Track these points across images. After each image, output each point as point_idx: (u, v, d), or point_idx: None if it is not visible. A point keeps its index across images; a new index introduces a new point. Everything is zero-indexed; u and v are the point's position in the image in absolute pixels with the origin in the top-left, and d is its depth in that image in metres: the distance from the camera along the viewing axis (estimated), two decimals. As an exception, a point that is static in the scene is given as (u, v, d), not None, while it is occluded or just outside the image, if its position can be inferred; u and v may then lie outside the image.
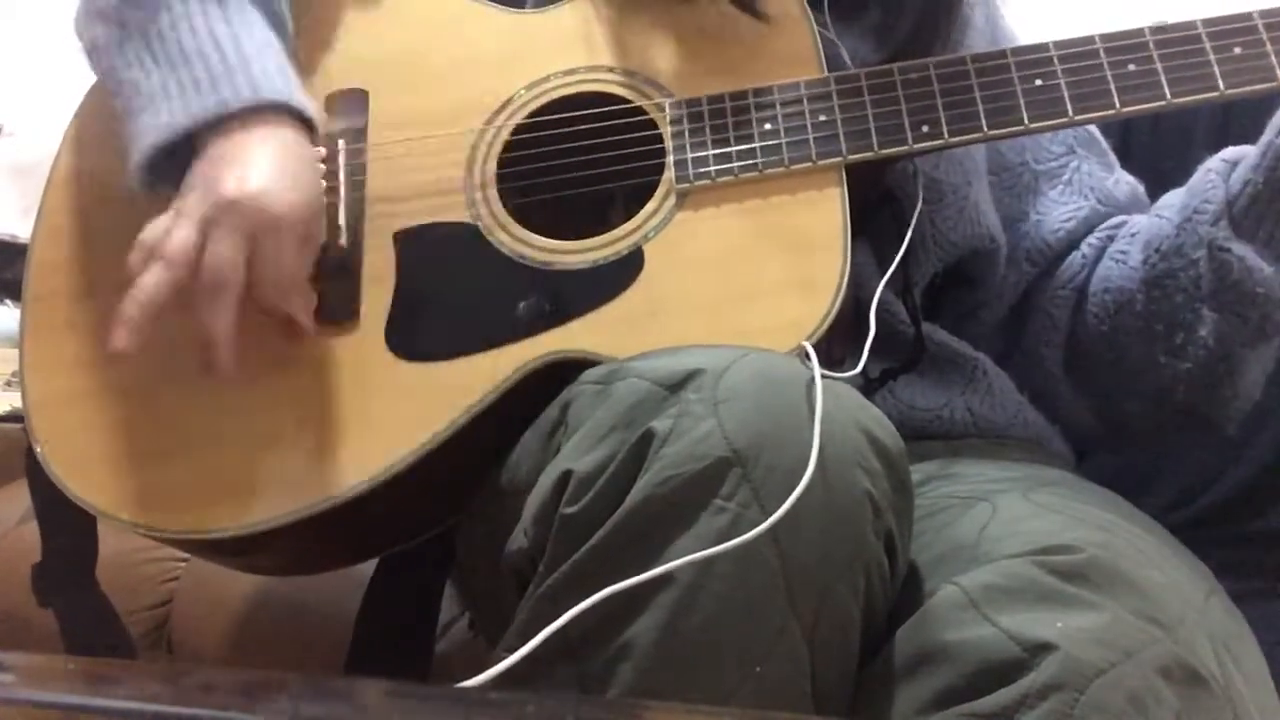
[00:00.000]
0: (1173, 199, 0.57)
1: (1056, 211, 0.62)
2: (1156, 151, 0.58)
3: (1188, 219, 0.54)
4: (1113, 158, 0.66)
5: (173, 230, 0.49)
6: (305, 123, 0.53)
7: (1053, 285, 0.61)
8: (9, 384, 1.00)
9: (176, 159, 0.51)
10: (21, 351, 0.57)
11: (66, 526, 0.60)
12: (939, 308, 0.61)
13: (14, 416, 0.75)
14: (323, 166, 0.53)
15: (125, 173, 0.53)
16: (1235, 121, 0.70)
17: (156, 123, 0.51)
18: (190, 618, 0.82)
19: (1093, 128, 0.65)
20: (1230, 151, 0.55)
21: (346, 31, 0.60)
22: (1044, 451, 0.60)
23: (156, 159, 0.51)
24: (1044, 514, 0.46)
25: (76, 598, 0.63)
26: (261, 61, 0.52)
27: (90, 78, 0.62)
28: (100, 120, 0.60)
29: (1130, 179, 0.64)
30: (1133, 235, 0.59)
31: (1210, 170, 0.55)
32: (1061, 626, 0.39)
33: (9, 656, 0.37)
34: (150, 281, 0.48)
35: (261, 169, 0.49)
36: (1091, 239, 0.61)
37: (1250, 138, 0.53)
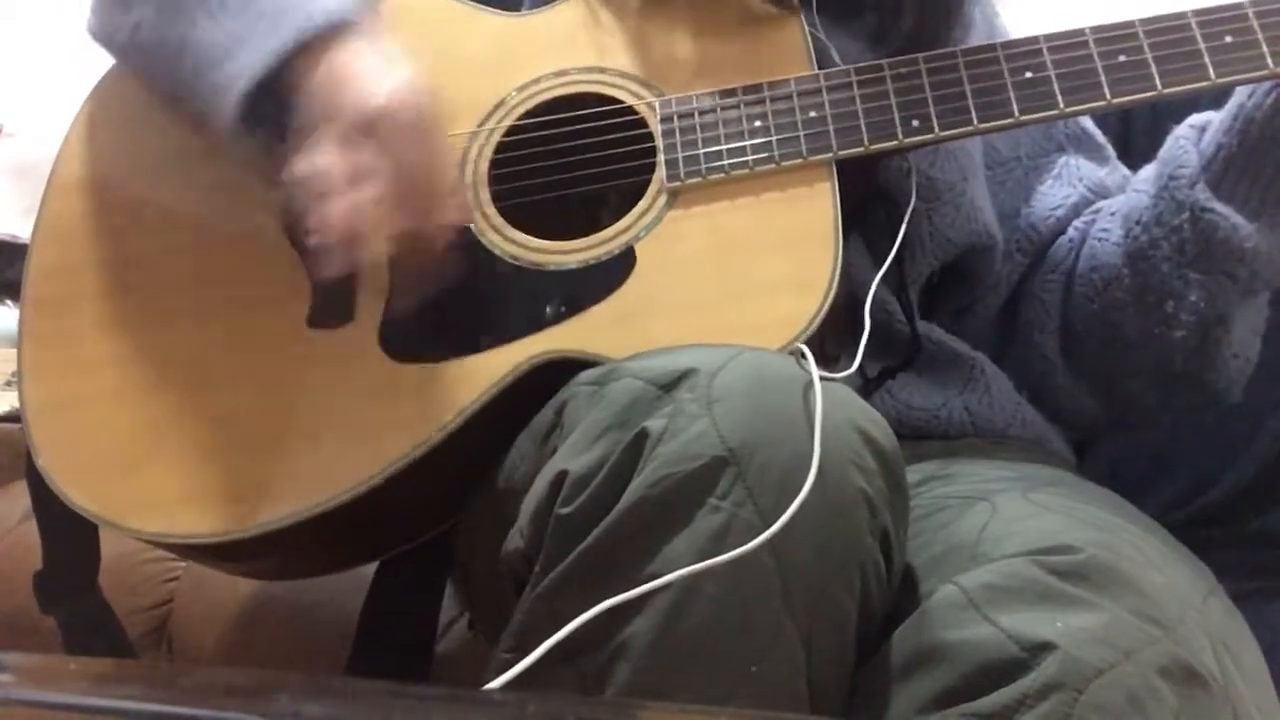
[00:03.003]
0: (1146, 173, 0.57)
1: (1046, 202, 0.62)
2: (1155, 151, 0.57)
3: (1164, 187, 0.55)
4: (1109, 151, 0.65)
5: (332, 161, 0.48)
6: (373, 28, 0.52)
7: (1043, 272, 0.61)
8: (9, 384, 1.00)
9: (262, 104, 0.51)
10: (20, 357, 0.57)
11: (67, 533, 0.60)
12: (935, 305, 0.61)
13: (14, 417, 0.75)
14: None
15: (212, 131, 0.52)
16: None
17: (246, 64, 0.50)
18: (190, 618, 0.83)
19: (1088, 124, 0.65)
20: (1196, 118, 0.55)
21: None
22: (1043, 451, 0.60)
23: (253, 102, 0.51)
24: (1044, 514, 0.45)
25: (79, 605, 0.63)
26: None
27: (92, 78, 0.62)
28: (102, 125, 0.61)
29: (1126, 172, 0.64)
30: (1113, 213, 0.59)
31: (1179, 138, 0.55)
32: (1061, 626, 0.39)
33: (9, 656, 0.37)
34: (330, 213, 0.47)
35: (380, 79, 0.49)
36: (1077, 223, 0.61)
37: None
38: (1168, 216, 0.54)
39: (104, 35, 0.59)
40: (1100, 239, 0.59)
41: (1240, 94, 0.52)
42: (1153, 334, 0.56)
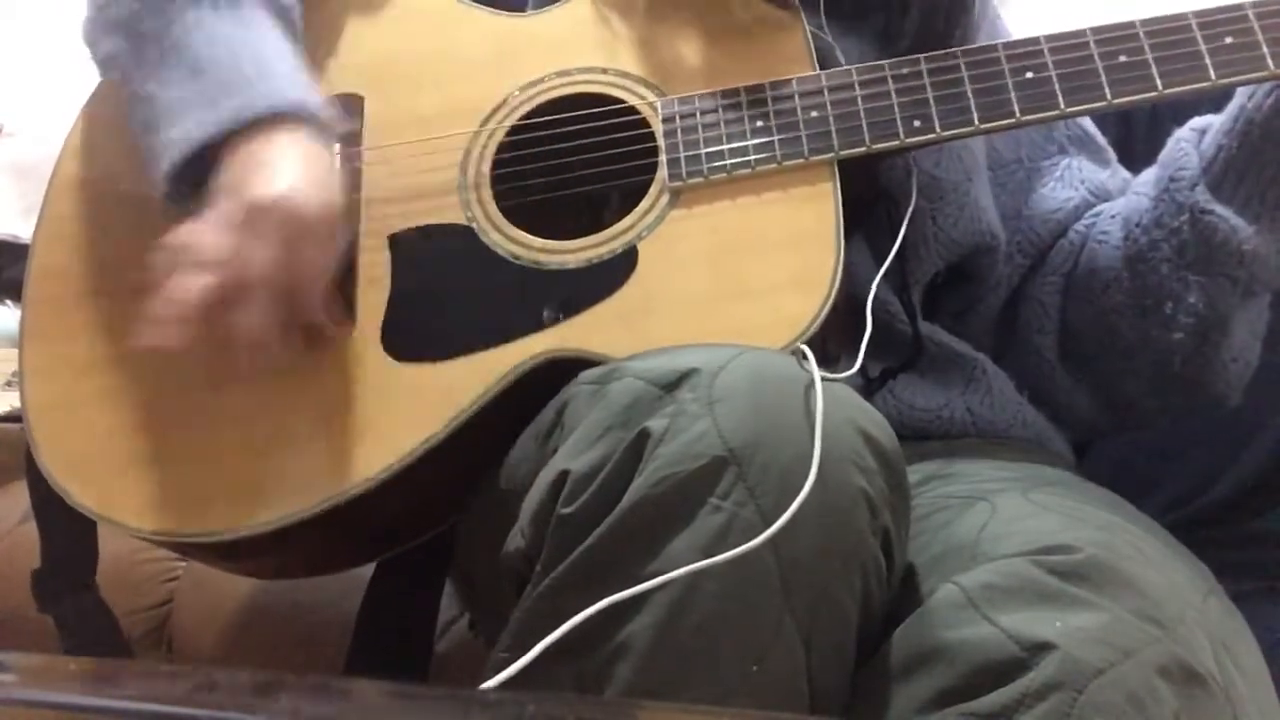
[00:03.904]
0: (1147, 175, 0.58)
1: (1047, 204, 0.62)
2: (1155, 155, 0.58)
3: (1164, 189, 0.55)
4: (1110, 154, 0.65)
5: (208, 234, 0.49)
6: (320, 125, 0.53)
7: (1043, 273, 0.61)
8: (9, 384, 1.00)
9: (198, 168, 0.51)
10: (21, 356, 0.57)
11: (66, 531, 0.61)
12: (937, 305, 0.61)
13: (14, 417, 0.75)
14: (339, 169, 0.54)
15: (150, 186, 0.53)
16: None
17: (180, 135, 0.51)
18: (190, 618, 0.83)
19: (1089, 126, 0.65)
20: (1197, 120, 0.55)
21: (344, 37, 0.60)
22: (1044, 451, 0.60)
23: (183, 171, 0.52)
24: (1043, 514, 0.45)
25: (77, 603, 0.63)
26: (277, 67, 0.53)
27: (92, 78, 0.62)
28: (103, 126, 0.61)
29: (1127, 174, 0.64)
30: (1113, 216, 0.59)
31: (1180, 140, 0.55)
32: (1060, 626, 0.39)
33: (9, 656, 0.37)
34: (189, 284, 0.48)
35: (288, 173, 0.50)
36: (1078, 225, 0.61)
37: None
38: (1168, 218, 0.54)
39: (88, 44, 0.59)
40: (1100, 241, 0.59)
41: (1241, 95, 0.52)
42: (1151, 336, 0.56)
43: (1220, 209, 0.53)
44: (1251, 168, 0.52)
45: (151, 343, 0.49)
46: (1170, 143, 0.55)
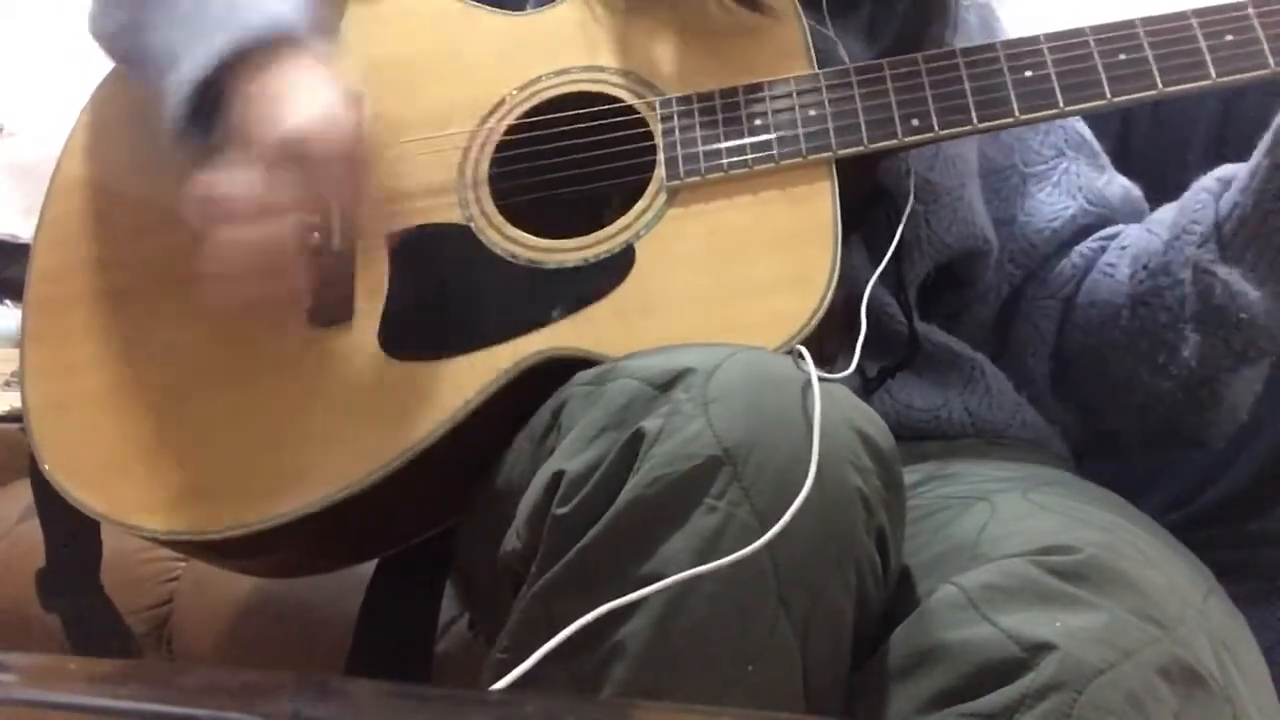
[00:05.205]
0: (1165, 215, 0.57)
1: (1043, 211, 0.62)
2: (1155, 155, 0.57)
3: (1176, 237, 0.54)
4: (1105, 160, 0.65)
5: (239, 183, 0.47)
6: (320, 45, 0.51)
7: (1041, 294, 0.61)
8: (9, 384, 1.00)
9: (210, 107, 0.50)
10: (22, 358, 0.57)
11: (70, 530, 0.61)
12: (928, 309, 0.61)
13: (14, 416, 0.76)
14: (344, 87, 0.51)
15: (160, 135, 0.52)
16: (1234, 126, 0.69)
17: (187, 69, 0.50)
18: (190, 618, 0.83)
19: (1085, 130, 0.65)
20: (1225, 170, 0.54)
21: (342, 36, 0.60)
22: (1043, 452, 0.59)
23: (190, 108, 0.51)
24: (1043, 514, 0.45)
25: (81, 601, 0.64)
26: None
27: (92, 78, 0.62)
28: (104, 126, 0.61)
29: (1124, 180, 0.64)
30: (1123, 249, 0.58)
31: (1203, 189, 0.54)
32: (1061, 626, 0.39)
33: (9, 656, 0.37)
34: (236, 237, 0.46)
35: (305, 104, 0.48)
36: (1083, 248, 0.61)
37: (1248, 143, 0.52)
38: (1175, 267, 0.54)
39: (96, 33, 0.59)
40: (1106, 273, 0.58)
41: (1259, 152, 0.51)
42: (1141, 379, 0.56)
43: (1223, 271, 0.52)
44: (1263, 229, 0.51)
45: (219, 302, 0.47)
46: (1192, 190, 0.54)
